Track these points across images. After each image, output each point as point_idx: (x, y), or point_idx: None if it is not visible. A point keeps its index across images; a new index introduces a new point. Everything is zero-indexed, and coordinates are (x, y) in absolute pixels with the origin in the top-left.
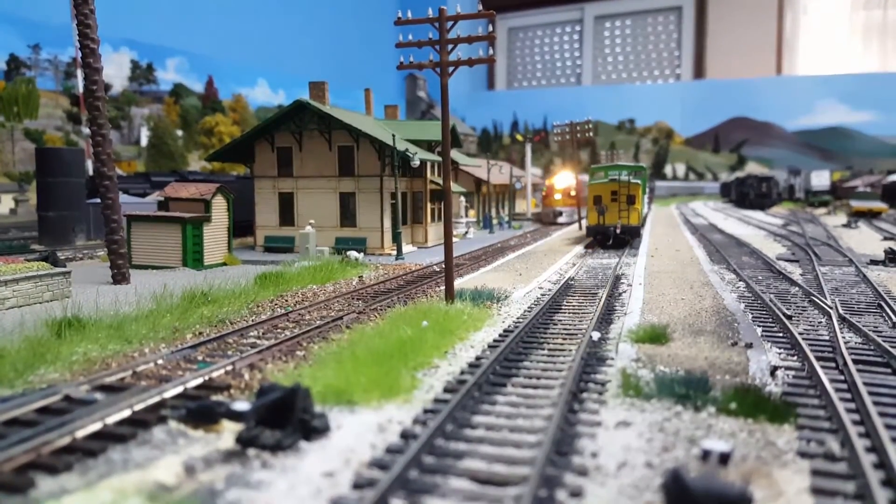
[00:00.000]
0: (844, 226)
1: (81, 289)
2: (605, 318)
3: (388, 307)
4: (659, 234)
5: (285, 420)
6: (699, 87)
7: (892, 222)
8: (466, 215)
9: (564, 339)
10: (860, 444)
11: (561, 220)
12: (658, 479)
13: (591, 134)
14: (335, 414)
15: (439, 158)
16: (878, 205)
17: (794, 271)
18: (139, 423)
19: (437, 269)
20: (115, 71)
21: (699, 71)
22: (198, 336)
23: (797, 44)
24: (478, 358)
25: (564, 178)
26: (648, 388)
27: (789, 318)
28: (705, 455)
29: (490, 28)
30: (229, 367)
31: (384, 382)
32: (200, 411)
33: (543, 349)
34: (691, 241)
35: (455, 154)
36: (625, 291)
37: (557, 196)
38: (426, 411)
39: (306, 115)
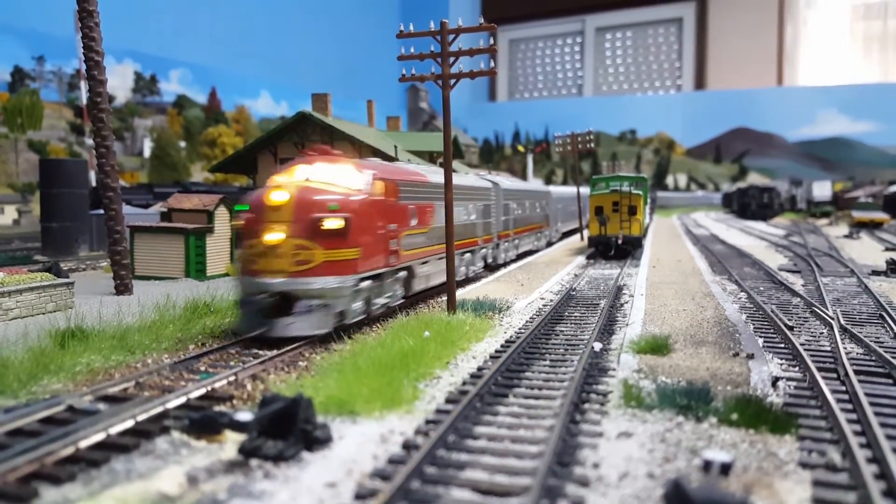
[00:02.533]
0: (846, 236)
1: (84, 299)
2: (607, 329)
3: (390, 317)
4: (661, 244)
5: (288, 430)
6: (700, 97)
7: (893, 233)
8: None
9: (566, 349)
10: (861, 454)
11: (293, 326)
12: (659, 490)
13: (593, 145)
14: (337, 424)
15: (441, 170)
16: (879, 215)
17: (796, 282)
18: (142, 433)
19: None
20: (119, 82)
21: (700, 82)
22: (200, 347)
23: (798, 54)
24: (480, 368)
25: (323, 173)
26: (650, 399)
27: (791, 328)
28: (707, 466)
29: (491, 40)
30: (232, 378)
31: (386, 393)
32: (203, 422)
33: (545, 360)
34: (693, 252)
35: (457, 165)
36: (626, 302)
37: (273, 237)
38: (428, 422)
39: (309, 126)
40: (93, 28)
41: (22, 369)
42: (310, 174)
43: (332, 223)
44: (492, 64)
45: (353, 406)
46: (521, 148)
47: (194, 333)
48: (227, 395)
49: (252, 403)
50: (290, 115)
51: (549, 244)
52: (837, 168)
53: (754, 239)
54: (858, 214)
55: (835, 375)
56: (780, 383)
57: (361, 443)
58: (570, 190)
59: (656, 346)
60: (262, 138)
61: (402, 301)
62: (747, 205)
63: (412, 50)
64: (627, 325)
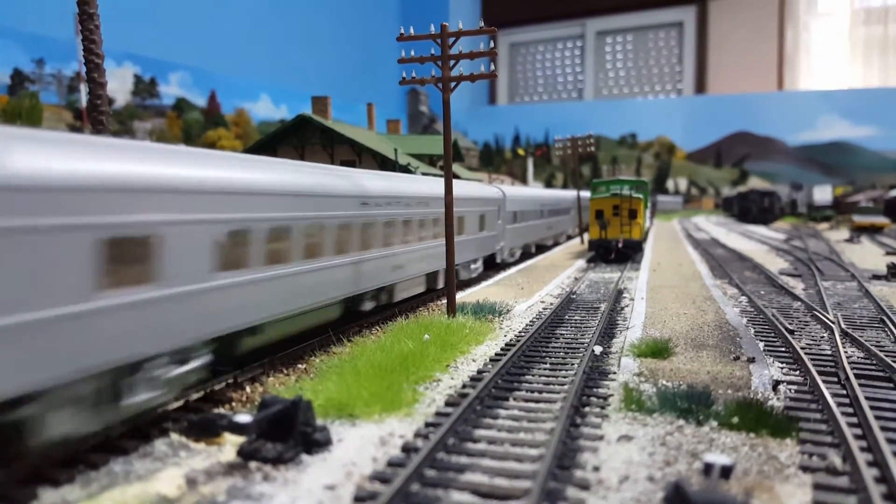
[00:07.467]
0: (847, 241)
1: None
2: (608, 333)
3: (390, 320)
4: (661, 248)
5: (287, 433)
6: (701, 101)
7: (894, 237)
8: None
9: (566, 353)
10: (862, 458)
11: None
12: (660, 493)
13: (593, 148)
14: (337, 427)
15: (441, 173)
16: (880, 220)
17: (797, 286)
18: (141, 434)
19: None
20: (119, 85)
21: (701, 86)
22: None
23: (798, 59)
24: (479, 371)
25: None
26: (651, 403)
27: (791, 332)
28: (707, 469)
29: (492, 44)
30: (231, 380)
31: (386, 396)
32: (202, 424)
33: (545, 363)
34: (693, 256)
35: (457, 168)
36: (627, 306)
37: None
38: (428, 425)
39: (309, 129)
40: (93, 31)
41: None
42: None
43: None
44: (492, 67)
45: (352, 409)
46: (521, 151)
47: None
48: (226, 398)
49: (251, 406)
50: (289, 119)
51: None
52: (838, 172)
53: (755, 243)
54: (859, 219)
55: (835, 379)
56: (781, 387)
57: (361, 445)
58: (547, 193)
59: (657, 350)
60: (261, 141)
61: None
62: (748, 209)
63: (412, 53)
64: (628, 328)
